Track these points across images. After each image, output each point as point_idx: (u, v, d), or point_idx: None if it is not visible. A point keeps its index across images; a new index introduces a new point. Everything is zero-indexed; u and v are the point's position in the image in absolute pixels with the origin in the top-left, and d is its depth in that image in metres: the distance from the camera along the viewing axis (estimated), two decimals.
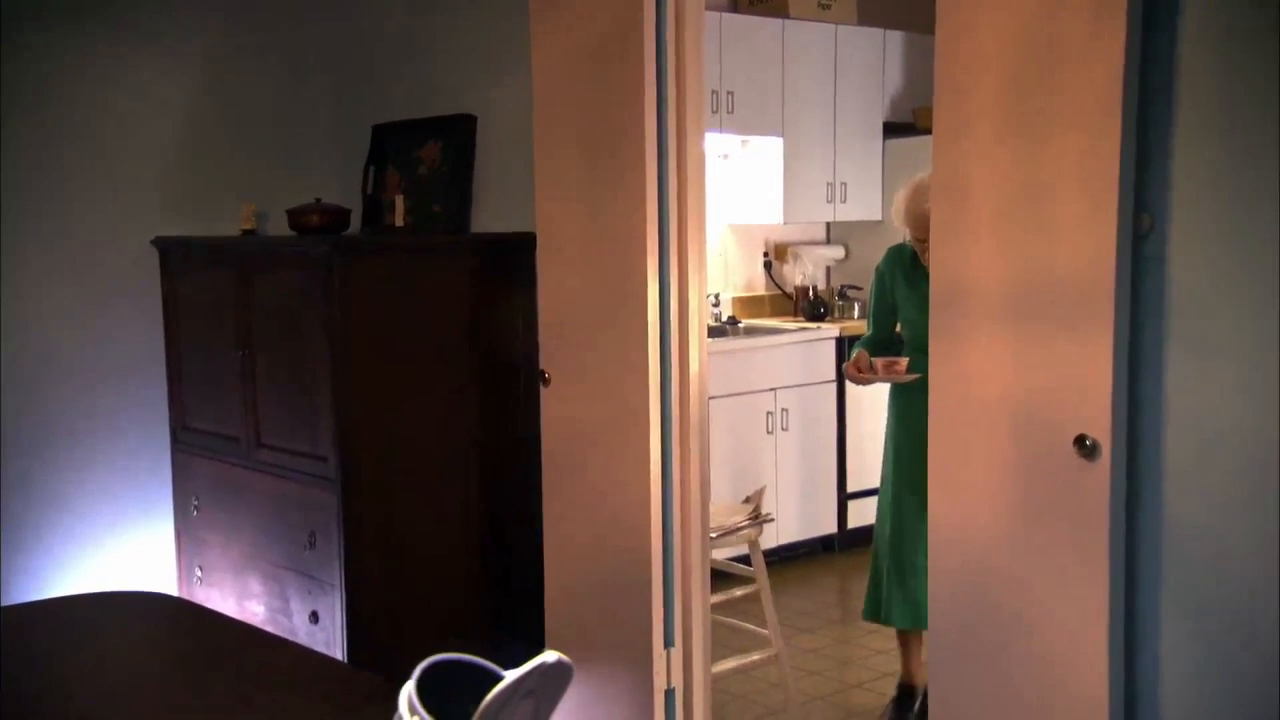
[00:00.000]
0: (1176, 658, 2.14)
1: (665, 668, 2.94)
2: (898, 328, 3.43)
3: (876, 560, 3.40)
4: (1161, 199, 2.09)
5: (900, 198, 3.25)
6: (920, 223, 3.07)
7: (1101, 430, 2.10)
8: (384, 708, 0.77)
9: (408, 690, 0.75)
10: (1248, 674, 2.04)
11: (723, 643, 3.44)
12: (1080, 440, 2.12)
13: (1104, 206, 2.06)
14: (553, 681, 0.69)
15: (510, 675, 0.70)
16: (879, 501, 3.46)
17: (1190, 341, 2.09)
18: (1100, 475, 2.10)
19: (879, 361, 3.24)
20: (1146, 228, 2.10)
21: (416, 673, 0.76)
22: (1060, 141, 2.13)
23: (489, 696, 0.69)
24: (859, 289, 5.71)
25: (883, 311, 3.41)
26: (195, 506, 3.77)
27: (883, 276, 3.40)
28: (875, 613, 3.40)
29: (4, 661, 1.87)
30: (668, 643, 2.95)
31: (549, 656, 0.69)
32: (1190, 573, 2.11)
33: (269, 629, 3.29)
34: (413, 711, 0.74)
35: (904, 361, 3.22)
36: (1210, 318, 2.06)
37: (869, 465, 5.30)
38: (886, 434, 3.44)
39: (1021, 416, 2.23)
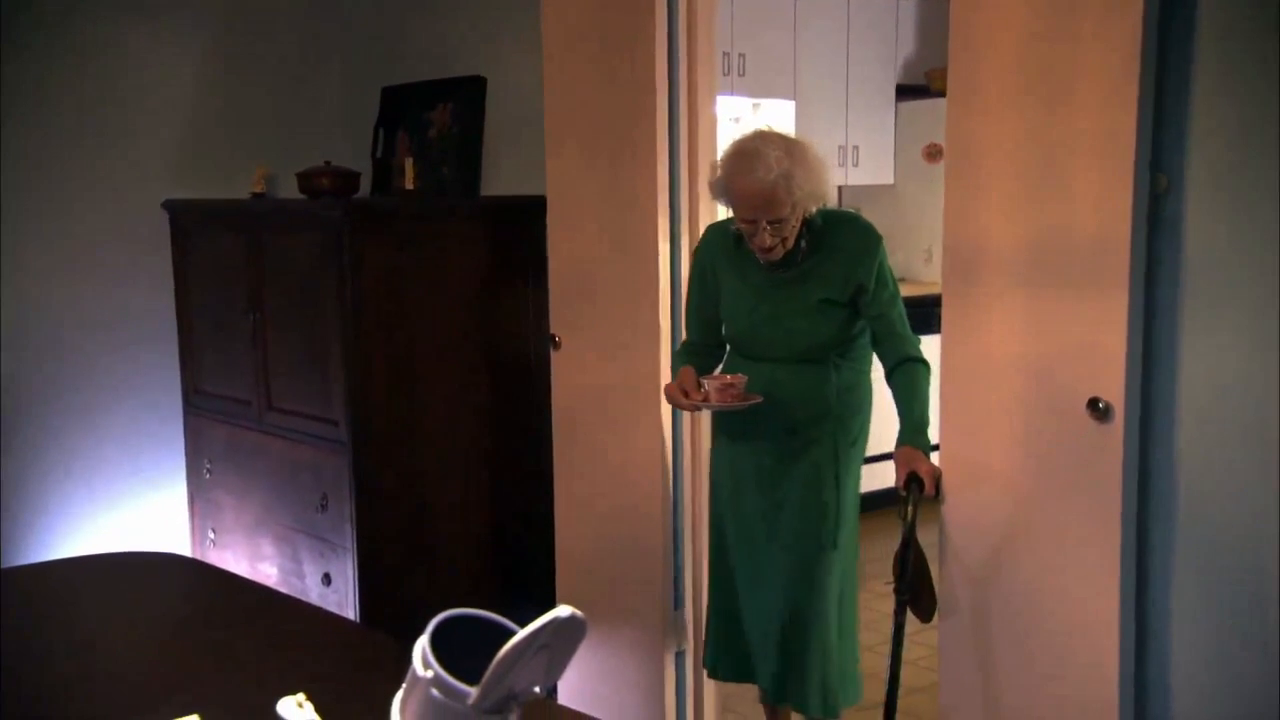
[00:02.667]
0: (1188, 619, 2.14)
1: (675, 629, 2.96)
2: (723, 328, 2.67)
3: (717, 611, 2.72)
4: (1178, 160, 2.07)
5: (716, 165, 2.48)
6: (745, 201, 2.35)
7: (1115, 393, 2.09)
8: (397, 668, 0.77)
9: (422, 644, 0.75)
10: (1258, 635, 2.04)
11: None
12: (1093, 403, 2.11)
13: (1120, 168, 2.04)
14: (566, 636, 0.69)
15: (524, 630, 0.70)
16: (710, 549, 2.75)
17: (1205, 304, 2.07)
18: (1113, 438, 2.10)
19: (710, 382, 2.47)
20: (1163, 188, 2.07)
21: (430, 627, 0.76)
22: (1077, 102, 2.10)
23: (502, 651, 0.69)
24: None
25: (705, 307, 2.62)
26: (208, 469, 3.79)
27: (702, 262, 2.62)
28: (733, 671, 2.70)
29: (18, 620, 1.89)
30: (677, 604, 2.96)
31: (562, 611, 0.69)
32: (1203, 535, 2.11)
33: (282, 591, 3.31)
34: (426, 665, 0.75)
35: (741, 379, 2.46)
36: (1226, 280, 2.04)
37: (882, 432, 5.30)
38: (712, 473, 2.70)
39: (1034, 380, 2.22)
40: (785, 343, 2.50)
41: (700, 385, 2.48)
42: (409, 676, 0.75)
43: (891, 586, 2.37)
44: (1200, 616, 2.12)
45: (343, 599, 3.26)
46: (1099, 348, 2.11)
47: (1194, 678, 2.15)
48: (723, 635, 2.66)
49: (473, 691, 0.71)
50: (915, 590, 2.36)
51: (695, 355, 2.62)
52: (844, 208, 5.89)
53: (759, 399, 2.44)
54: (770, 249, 2.40)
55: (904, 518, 2.33)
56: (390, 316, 3.22)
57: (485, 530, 3.46)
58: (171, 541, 3.87)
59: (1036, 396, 2.22)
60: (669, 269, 2.87)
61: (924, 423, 2.45)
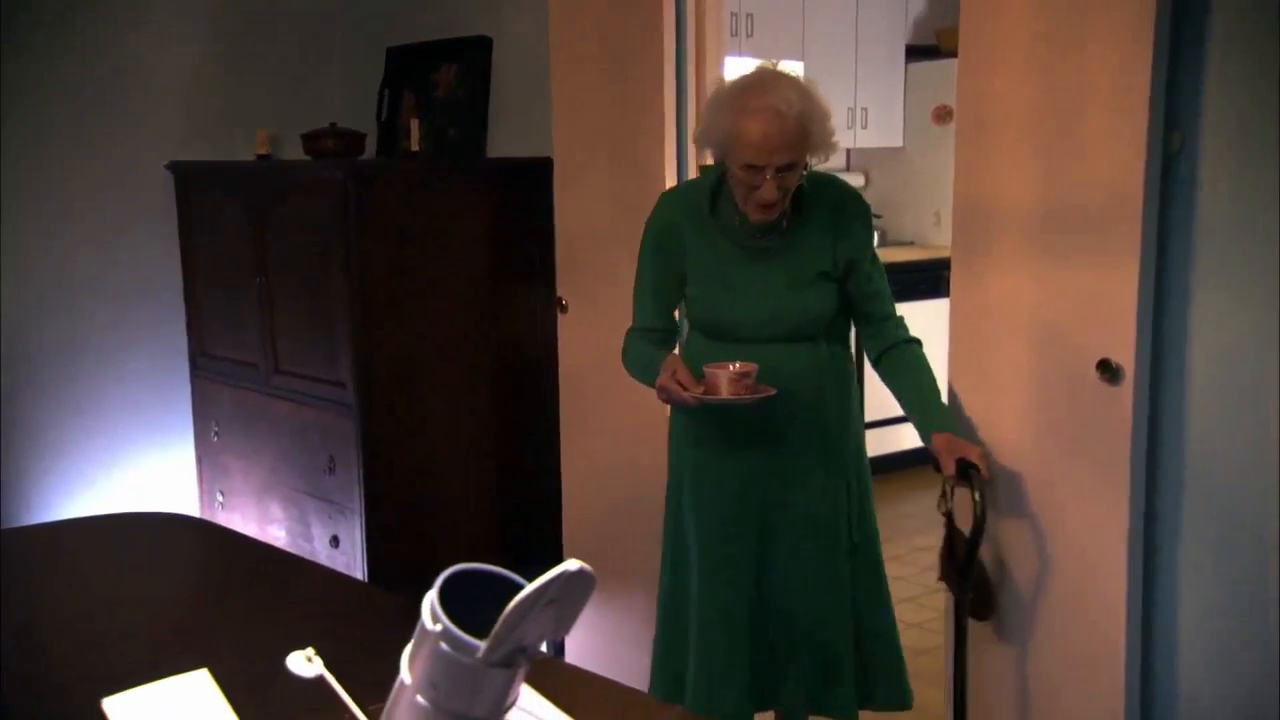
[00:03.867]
0: (1194, 579, 2.14)
1: None
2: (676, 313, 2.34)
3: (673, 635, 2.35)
4: (1192, 120, 2.05)
5: (712, 106, 2.11)
6: (755, 141, 2.02)
7: (1125, 355, 2.08)
8: (405, 625, 0.77)
9: (430, 598, 0.75)
10: (1262, 596, 2.04)
11: None
12: (1103, 365, 2.10)
13: (1134, 127, 2.02)
14: (575, 590, 0.69)
15: (532, 584, 0.69)
16: (669, 574, 2.37)
17: (1217, 265, 2.05)
18: (1123, 400, 2.09)
19: (719, 373, 2.06)
20: (1177, 146, 2.05)
21: (439, 581, 0.76)
22: (1090, 61, 2.07)
23: (511, 604, 0.69)
24: (879, 216, 5.64)
25: (663, 286, 2.26)
26: (215, 432, 3.80)
27: (661, 233, 2.25)
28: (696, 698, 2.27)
29: (26, 579, 1.90)
30: None
31: (570, 564, 0.68)
32: (1211, 497, 2.11)
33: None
34: (435, 619, 0.74)
35: (753, 367, 2.09)
36: (1238, 242, 2.03)
37: (888, 395, 5.28)
38: (676, 488, 2.33)
39: (1044, 342, 2.21)
40: (770, 321, 2.18)
41: (702, 378, 2.09)
42: (417, 630, 0.75)
43: (940, 581, 2.20)
44: (1206, 577, 2.12)
45: (350, 561, 3.28)
46: (1110, 309, 2.09)
47: (1199, 636, 2.15)
48: (717, 670, 2.24)
49: (481, 645, 0.71)
50: (980, 588, 2.18)
51: (648, 343, 2.27)
52: (841, 172, 5.88)
53: (772, 391, 2.08)
54: (771, 205, 2.08)
55: (948, 508, 2.12)
56: (396, 278, 3.21)
57: (493, 492, 3.47)
58: (180, 504, 3.88)
59: (1046, 358, 2.21)
60: None
61: (946, 405, 2.25)
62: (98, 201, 3.73)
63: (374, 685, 0.87)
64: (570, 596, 0.72)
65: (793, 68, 5.40)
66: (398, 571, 3.22)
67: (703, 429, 2.25)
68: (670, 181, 2.81)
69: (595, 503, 3.11)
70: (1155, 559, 2.17)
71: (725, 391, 2.05)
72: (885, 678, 2.30)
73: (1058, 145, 2.14)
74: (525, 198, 3.38)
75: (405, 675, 0.76)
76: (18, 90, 3.55)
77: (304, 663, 0.86)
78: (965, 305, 2.36)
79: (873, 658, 2.29)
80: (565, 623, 0.74)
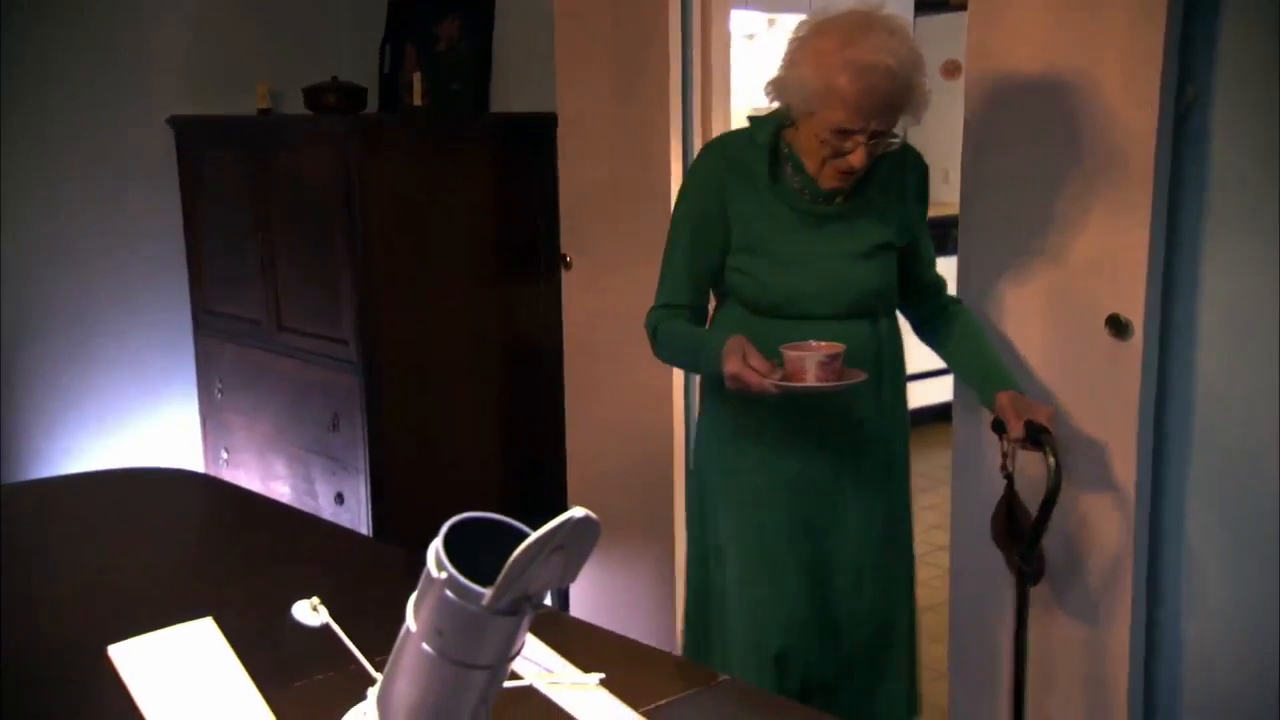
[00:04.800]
0: (1202, 538, 2.14)
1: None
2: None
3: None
4: (1206, 72, 2.02)
5: (805, 48, 1.80)
6: (860, 100, 1.75)
7: (1135, 310, 2.06)
8: (410, 578, 0.77)
9: (435, 546, 0.74)
10: (1270, 553, 2.04)
11: None
12: (1113, 320, 2.08)
13: (1147, 79, 1.99)
14: (581, 536, 0.68)
15: (537, 532, 0.69)
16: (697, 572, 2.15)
17: (1229, 219, 2.03)
18: (1132, 355, 2.07)
19: (806, 355, 1.78)
20: (1190, 99, 2.02)
21: (444, 529, 0.75)
22: (1104, 12, 2.04)
23: (517, 551, 0.68)
24: None
25: (703, 254, 1.97)
26: (219, 390, 3.79)
27: (704, 194, 1.96)
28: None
29: (30, 533, 1.90)
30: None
31: (576, 512, 0.67)
32: (1219, 454, 2.10)
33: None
34: (440, 567, 0.73)
35: (840, 347, 1.81)
36: (1251, 196, 2.00)
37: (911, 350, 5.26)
38: (709, 486, 2.06)
39: (1054, 297, 2.19)
40: (829, 296, 1.93)
41: (779, 364, 1.79)
42: (422, 578, 0.74)
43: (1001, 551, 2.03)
44: (1213, 531, 2.12)
45: (355, 517, 3.28)
46: (1119, 264, 2.08)
47: (1206, 589, 2.15)
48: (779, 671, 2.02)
49: (487, 592, 0.70)
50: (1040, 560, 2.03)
51: (686, 323, 2.00)
52: None
53: (863, 375, 1.82)
54: (853, 173, 1.85)
55: (1010, 470, 1.96)
56: (399, 234, 3.19)
57: (498, 448, 3.47)
58: (184, 462, 3.89)
59: (1055, 314, 2.19)
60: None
61: (1006, 364, 2.08)
62: (98, 156, 3.70)
63: (379, 636, 0.87)
64: (576, 544, 0.71)
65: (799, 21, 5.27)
66: (402, 527, 3.23)
67: (752, 421, 1.96)
68: (675, 139, 2.78)
69: (600, 458, 3.11)
70: (1162, 512, 2.16)
71: (812, 377, 1.76)
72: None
73: (1069, 100, 2.12)
74: (529, 153, 3.35)
75: (410, 623, 0.75)
76: (17, 44, 3.51)
77: (309, 612, 0.85)
78: (974, 262, 2.34)
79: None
80: (571, 571, 0.73)
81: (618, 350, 2.98)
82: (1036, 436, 1.89)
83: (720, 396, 1.96)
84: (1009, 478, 1.99)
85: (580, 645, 0.90)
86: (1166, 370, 2.12)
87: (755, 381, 1.76)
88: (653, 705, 1.05)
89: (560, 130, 3.05)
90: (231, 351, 3.70)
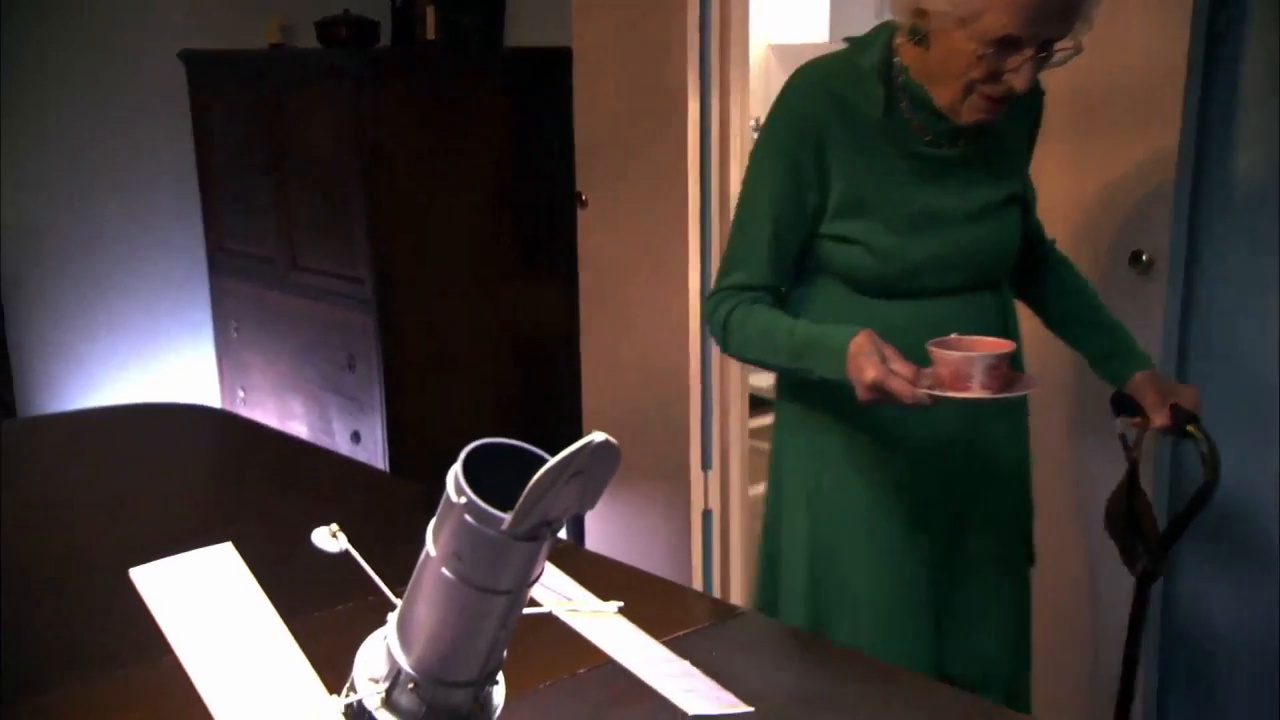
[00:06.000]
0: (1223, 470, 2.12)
1: (703, 490, 2.97)
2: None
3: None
4: (1239, 3, 1.96)
5: None
6: (1043, 5, 1.40)
7: (1158, 247, 2.03)
8: (428, 511, 0.76)
9: (455, 471, 0.73)
10: None
11: (761, 469, 3.47)
12: (1136, 257, 2.05)
13: (1179, 5, 1.94)
14: (600, 461, 0.67)
15: (557, 456, 0.67)
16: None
17: (1258, 152, 1.99)
18: (1155, 293, 2.05)
19: (975, 360, 1.41)
20: (1222, 28, 1.97)
21: (463, 455, 0.74)
22: None
23: (536, 475, 0.67)
24: None
25: (793, 224, 1.58)
26: (235, 329, 3.79)
27: (802, 143, 1.55)
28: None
29: (46, 466, 1.91)
30: (706, 465, 2.97)
31: (596, 436, 0.66)
32: (1242, 393, 2.07)
33: None
34: (459, 492, 0.73)
35: (1010, 345, 1.47)
36: None
37: None
38: (806, 504, 1.67)
39: (1076, 232, 2.16)
40: (954, 265, 1.57)
41: (934, 372, 1.42)
42: (442, 503, 0.74)
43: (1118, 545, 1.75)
44: (1233, 465, 2.10)
45: (372, 456, 3.30)
46: (1144, 199, 2.04)
47: (1226, 524, 2.14)
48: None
49: (506, 517, 0.69)
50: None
51: (768, 309, 1.58)
52: None
53: (1036, 383, 1.48)
54: (1005, 101, 1.49)
55: (1134, 456, 1.69)
56: (413, 172, 3.16)
57: (513, 389, 3.47)
58: (201, 401, 3.90)
59: (1078, 250, 2.15)
60: (698, 129, 2.78)
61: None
62: (108, 92, 3.67)
63: (397, 568, 0.86)
64: (596, 469, 0.70)
65: None
66: (419, 466, 3.24)
67: (881, 428, 1.58)
68: (693, 71, 2.73)
69: (616, 397, 3.10)
70: (1182, 459, 2.15)
71: (979, 385, 1.39)
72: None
73: (1097, 28, 2.06)
74: (544, 89, 3.31)
75: (430, 548, 0.75)
76: None
77: (329, 538, 0.85)
78: None
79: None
80: (591, 496, 0.72)
81: (634, 289, 2.96)
82: (1184, 424, 1.61)
83: (820, 408, 1.58)
84: (1133, 465, 1.71)
85: (598, 577, 0.90)
86: (1189, 308, 2.09)
87: (904, 392, 1.37)
88: (672, 636, 1.05)
89: (575, 63, 3.01)
90: (247, 291, 3.69)
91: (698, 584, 2.98)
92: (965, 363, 1.40)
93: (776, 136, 1.56)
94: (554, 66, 3.20)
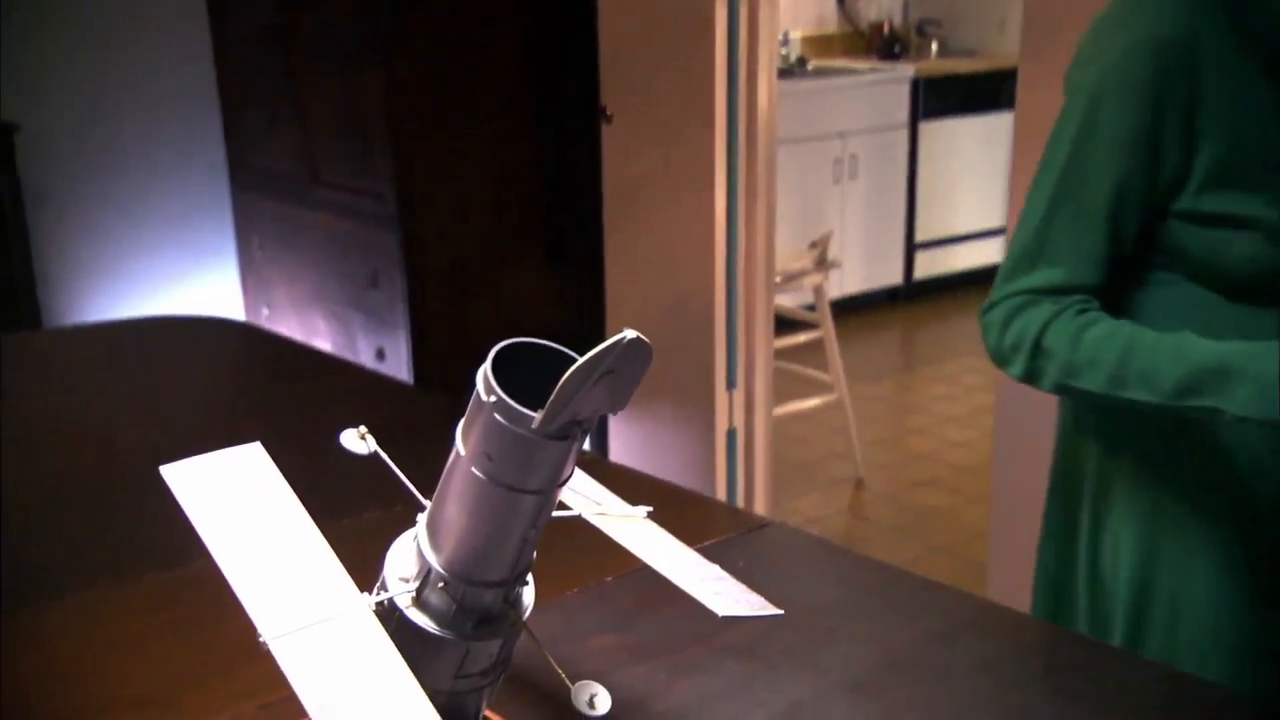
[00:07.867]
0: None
1: (727, 409, 2.97)
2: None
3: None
4: None
5: None
6: None
7: None
8: (451, 427, 0.75)
9: (485, 370, 0.72)
10: None
11: (785, 390, 3.47)
12: None
13: None
14: (631, 360, 0.65)
15: (588, 354, 0.66)
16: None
17: None
18: None
19: None
20: None
21: (492, 354, 0.72)
22: None
23: (567, 374, 0.66)
24: (938, 25, 5.38)
25: (1137, 199, 1.11)
26: (258, 245, 3.79)
27: (1167, 69, 1.08)
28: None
29: (71, 374, 1.92)
30: (730, 384, 2.96)
31: (627, 333, 0.65)
32: None
33: None
34: (489, 390, 0.71)
35: None
36: None
37: (941, 214, 5.17)
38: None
39: None
40: None
41: None
42: (471, 403, 0.73)
43: None
44: None
45: (396, 372, 3.31)
46: None
47: None
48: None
49: (536, 416, 0.68)
50: None
51: (1096, 317, 1.13)
52: None
53: None
54: None
55: None
56: (435, 85, 3.12)
57: (539, 305, 3.46)
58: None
59: None
60: (726, 41, 2.72)
61: None
62: (130, 7, 3.63)
63: (425, 474, 0.86)
64: (626, 368, 0.69)
65: None
66: (444, 381, 3.25)
67: (1218, 440, 1.16)
68: None
69: (643, 320, 3.09)
70: None
71: None
72: None
73: None
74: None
75: (460, 447, 0.74)
76: None
77: (357, 440, 0.84)
78: (1032, 119, 2.24)
79: None
80: (621, 396, 0.71)
81: (659, 206, 2.93)
82: None
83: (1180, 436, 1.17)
84: None
85: (624, 488, 0.89)
86: None
87: None
88: (700, 545, 1.05)
89: None
90: (269, 207, 3.68)
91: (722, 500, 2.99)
92: None
93: (1122, 73, 1.11)
94: None
